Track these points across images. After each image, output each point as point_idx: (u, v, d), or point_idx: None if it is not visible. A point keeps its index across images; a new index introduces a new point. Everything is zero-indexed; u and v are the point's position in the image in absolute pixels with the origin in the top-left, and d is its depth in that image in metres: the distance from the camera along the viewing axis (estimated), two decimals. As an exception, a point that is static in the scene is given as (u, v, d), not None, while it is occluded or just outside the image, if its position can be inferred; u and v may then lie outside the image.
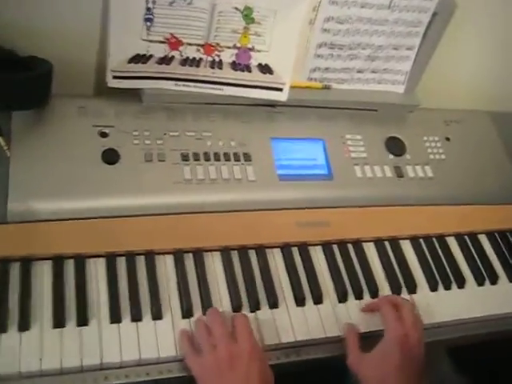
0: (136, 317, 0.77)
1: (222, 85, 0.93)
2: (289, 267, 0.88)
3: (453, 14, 0.97)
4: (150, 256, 0.83)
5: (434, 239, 0.99)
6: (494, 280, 0.97)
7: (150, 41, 0.86)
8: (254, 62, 0.92)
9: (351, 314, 0.86)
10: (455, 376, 1.04)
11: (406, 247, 0.97)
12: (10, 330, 0.72)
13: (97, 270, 0.80)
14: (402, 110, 1.08)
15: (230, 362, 0.71)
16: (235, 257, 0.87)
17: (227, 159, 0.92)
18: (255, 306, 0.83)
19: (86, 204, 0.83)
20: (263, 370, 0.72)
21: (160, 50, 0.88)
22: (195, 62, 0.90)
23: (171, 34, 0.87)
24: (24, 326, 0.72)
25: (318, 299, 0.86)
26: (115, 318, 0.76)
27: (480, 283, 0.96)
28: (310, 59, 0.97)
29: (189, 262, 0.84)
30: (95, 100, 0.92)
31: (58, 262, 0.79)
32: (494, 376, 1.09)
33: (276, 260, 0.89)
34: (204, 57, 0.90)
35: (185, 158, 0.90)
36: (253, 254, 0.88)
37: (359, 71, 1.02)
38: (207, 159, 0.91)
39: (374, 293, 0.89)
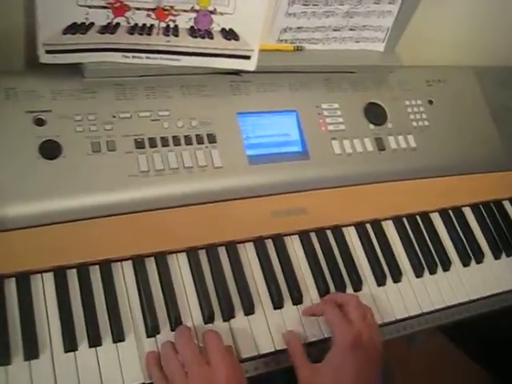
0: (94, 342, 0.67)
1: (178, 54, 0.79)
2: (263, 264, 0.79)
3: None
4: (106, 265, 0.72)
5: (418, 217, 0.92)
6: (479, 259, 0.92)
7: (89, 6, 0.71)
8: (216, 27, 0.78)
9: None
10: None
11: (389, 229, 0.89)
12: None
13: (44, 288, 0.69)
14: (382, 71, 0.97)
15: None
16: (203, 257, 0.77)
17: (189, 143, 0.80)
18: (229, 315, 0.74)
19: (23, 210, 0.70)
20: None
21: (102, 17, 0.72)
22: (146, 30, 0.75)
23: (115, -3, 0.71)
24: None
25: (297, 300, 0.78)
26: (70, 345, 0.66)
27: (466, 263, 0.91)
28: (280, 18, 0.84)
29: (151, 267, 0.74)
30: (27, 79, 0.76)
31: (-5, 282, 0.67)
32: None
33: (249, 257, 0.79)
34: (156, 23, 0.75)
35: (139, 144, 0.77)
36: (223, 251, 0.78)
37: (335, 29, 0.89)
38: (165, 145, 0.78)
39: (357, 284, 0.82)
